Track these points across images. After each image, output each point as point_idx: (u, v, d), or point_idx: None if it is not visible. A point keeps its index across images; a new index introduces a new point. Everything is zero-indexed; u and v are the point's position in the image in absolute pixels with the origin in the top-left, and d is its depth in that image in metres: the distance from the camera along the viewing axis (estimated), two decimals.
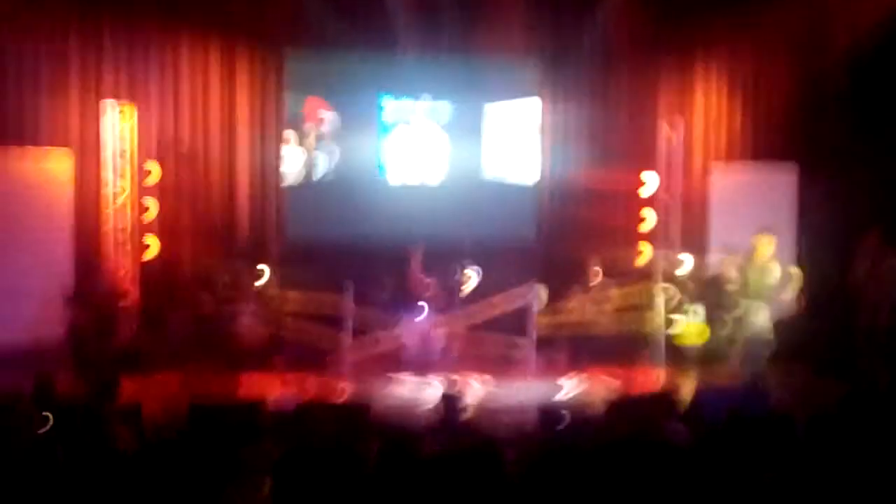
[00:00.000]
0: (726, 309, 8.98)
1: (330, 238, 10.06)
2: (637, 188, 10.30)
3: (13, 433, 4.91)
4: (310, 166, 10.33)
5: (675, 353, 9.19)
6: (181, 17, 9.98)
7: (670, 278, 9.78)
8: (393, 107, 10.27)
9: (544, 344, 9.21)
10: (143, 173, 9.69)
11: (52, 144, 9.55)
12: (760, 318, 8.36)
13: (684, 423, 6.00)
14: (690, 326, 9.36)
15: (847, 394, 5.71)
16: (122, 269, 9.53)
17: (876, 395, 5.95)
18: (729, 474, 4.35)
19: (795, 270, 8.56)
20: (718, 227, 10.24)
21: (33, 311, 8.89)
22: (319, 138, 10.32)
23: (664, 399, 6.64)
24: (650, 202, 10.20)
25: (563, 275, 9.88)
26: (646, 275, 9.79)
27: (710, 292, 9.34)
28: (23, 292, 8.98)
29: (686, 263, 9.84)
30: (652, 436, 5.05)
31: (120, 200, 9.52)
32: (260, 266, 9.41)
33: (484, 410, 7.13)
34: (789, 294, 8.50)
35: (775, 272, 8.36)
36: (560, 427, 5.07)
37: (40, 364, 7.74)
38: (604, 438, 5.05)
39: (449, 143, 10.52)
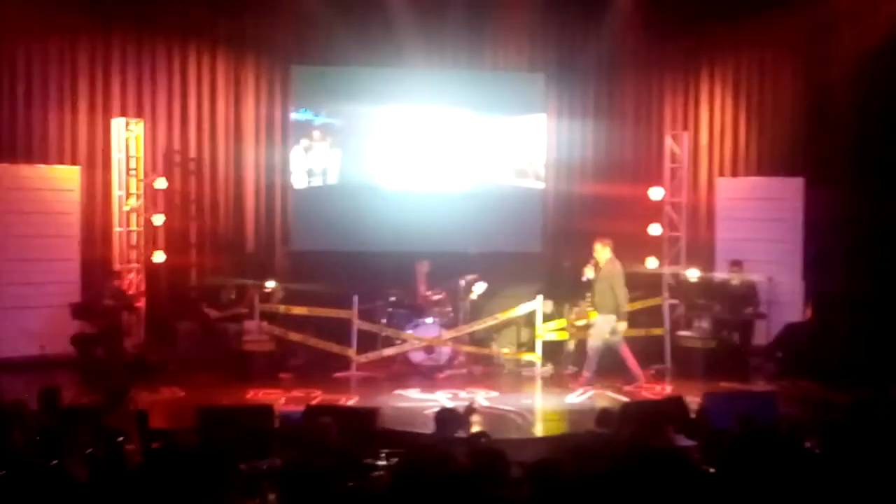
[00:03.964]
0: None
1: (335, 249, 10.08)
2: (643, 201, 10.32)
3: (19, 442, 4.91)
4: (315, 176, 10.36)
5: (683, 361, 9.15)
6: (188, 32, 10.10)
7: (676, 289, 9.77)
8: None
9: (551, 355, 9.20)
10: (151, 187, 9.77)
11: (62, 161, 9.65)
12: (603, 326, 8.28)
13: (691, 430, 5.99)
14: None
15: (856, 403, 5.69)
16: (131, 281, 9.58)
17: (885, 405, 5.92)
18: (738, 482, 4.33)
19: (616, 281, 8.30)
20: (724, 240, 10.26)
21: (45, 323, 8.95)
22: (325, 149, 10.37)
23: (671, 406, 6.62)
24: (656, 214, 10.22)
25: (569, 286, 9.89)
26: (652, 285, 9.79)
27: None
28: (34, 304, 9.05)
29: (692, 275, 9.82)
30: (659, 443, 5.03)
31: (128, 213, 9.60)
32: (266, 277, 9.44)
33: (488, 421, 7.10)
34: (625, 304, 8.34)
35: (615, 279, 8.29)
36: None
37: (50, 374, 7.83)
38: (612, 447, 5.03)
39: (456, 155, 10.57)
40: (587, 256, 10.09)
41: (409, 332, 9.16)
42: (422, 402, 7.87)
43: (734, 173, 10.76)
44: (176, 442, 4.77)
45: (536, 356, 9.03)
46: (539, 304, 9.04)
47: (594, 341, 8.36)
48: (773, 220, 10.13)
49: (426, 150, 10.54)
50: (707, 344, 9.15)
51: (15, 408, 5.33)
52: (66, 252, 9.42)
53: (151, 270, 9.80)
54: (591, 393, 8.18)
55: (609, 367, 8.82)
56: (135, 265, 9.65)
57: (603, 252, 8.40)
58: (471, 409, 5.95)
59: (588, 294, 8.66)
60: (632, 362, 8.40)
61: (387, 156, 10.45)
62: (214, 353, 9.04)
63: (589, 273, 8.42)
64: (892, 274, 9.31)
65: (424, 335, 9.13)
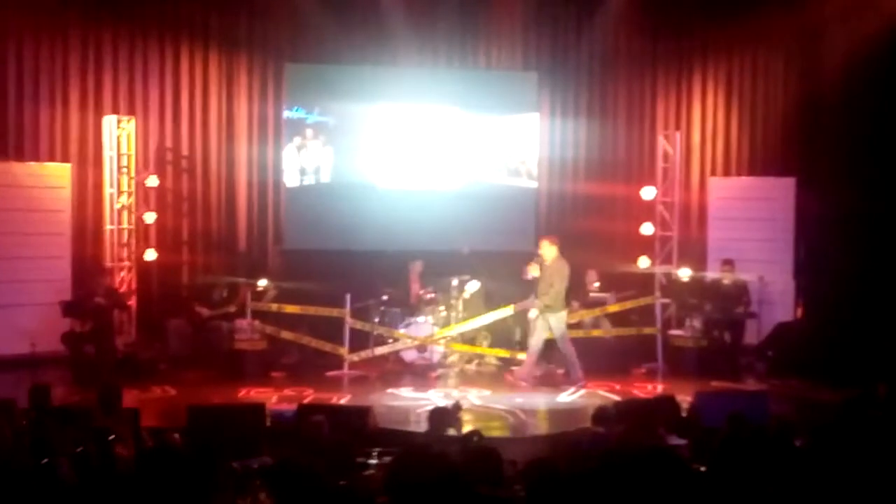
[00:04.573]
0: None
1: (328, 247, 10.07)
2: (635, 200, 10.35)
3: (8, 440, 4.89)
4: (308, 174, 10.35)
5: (674, 360, 9.17)
6: (181, 29, 10.06)
7: (668, 288, 9.80)
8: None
9: (543, 354, 9.20)
10: (142, 185, 9.73)
11: (53, 158, 9.60)
12: (554, 323, 8.28)
13: (682, 429, 6.01)
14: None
15: (846, 401, 5.72)
16: (122, 280, 9.55)
17: (875, 404, 5.95)
18: (729, 480, 4.34)
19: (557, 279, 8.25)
20: (715, 239, 10.29)
21: (35, 321, 8.90)
22: (318, 147, 10.35)
23: (663, 405, 6.64)
24: (648, 214, 10.25)
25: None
26: (643, 284, 9.82)
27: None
28: (24, 302, 9.01)
29: (684, 274, 9.84)
30: (650, 441, 5.04)
31: (119, 210, 9.57)
32: (258, 276, 9.41)
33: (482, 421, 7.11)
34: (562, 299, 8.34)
35: (559, 277, 8.28)
36: None
37: (40, 372, 7.79)
38: (604, 445, 5.05)
39: (449, 154, 10.57)
40: (581, 256, 10.15)
41: (402, 330, 9.15)
42: (414, 400, 7.87)
43: (726, 173, 10.80)
44: (163, 441, 4.76)
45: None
46: (532, 304, 9.03)
47: (562, 342, 8.36)
48: (765, 219, 10.18)
49: (419, 149, 10.53)
50: (698, 343, 9.19)
51: (5, 406, 5.30)
52: (56, 250, 9.38)
53: (143, 268, 9.77)
54: (582, 392, 8.20)
55: (598, 366, 8.85)
56: (126, 263, 9.62)
57: (549, 250, 8.38)
58: (457, 408, 5.94)
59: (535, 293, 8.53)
60: (531, 359, 8.44)
61: (380, 154, 10.43)
62: (206, 352, 9.02)
63: (533, 272, 8.38)
64: (882, 273, 9.37)
65: (417, 334, 9.12)
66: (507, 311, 9.07)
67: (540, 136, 10.72)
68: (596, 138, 10.90)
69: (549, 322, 8.32)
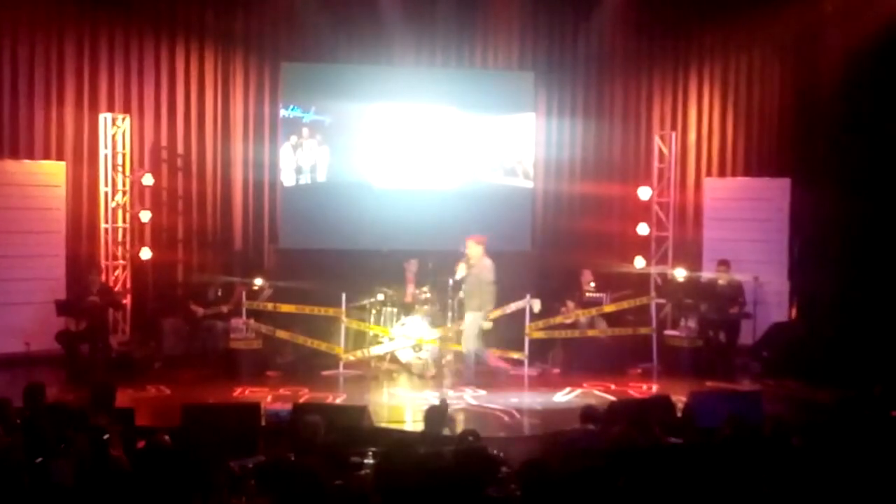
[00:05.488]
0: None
1: (324, 247, 10.06)
2: (631, 200, 10.37)
3: (2, 439, 4.88)
4: (304, 173, 10.34)
5: (670, 360, 9.18)
6: (177, 27, 10.04)
7: (663, 288, 9.82)
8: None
9: (538, 354, 9.22)
10: (138, 183, 9.71)
11: (48, 157, 9.58)
12: (473, 324, 8.29)
13: (677, 428, 6.02)
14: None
15: (841, 401, 5.74)
16: (116, 278, 9.53)
17: (869, 402, 5.97)
18: (725, 479, 4.36)
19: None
20: (711, 239, 10.31)
21: (30, 319, 8.88)
22: (314, 146, 10.34)
23: (658, 405, 6.64)
24: (644, 214, 10.26)
25: (558, 284, 9.93)
26: (639, 284, 9.83)
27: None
28: (19, 301, 8.99)
29: (679, 274, 9.86)
30: (646, 441, 5.05)
31: (114, 209, 9.55)
32: (254, 275, 9.39)
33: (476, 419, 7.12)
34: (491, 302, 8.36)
35: (485, 276, 8.30)
36: None
37: (35, 370, 7.78)
38: (600, 444, 5.06)
39: (445, 153, 10.57)
40: (577, 256, 10.18)
41: (397, 330, 9.15)
42: (410, 400, 7.86)
43: (721, 173, 10.82)
44: (155, 441, 4.75)
45: (523, 355, 9.05)
46: (528, 303, 9.05)
47: (467, 342, 8.36)
48: (760, 220, 10.21)
49: (415, 149, 10.52)
50: (694, 343, 9.21)
51: None
52: (51, 248, 9.36)
53: (138, 267, 9.76)
54: (577, 391, 8.20)
55: (594, 366, 8.86)
56: (121, 262, 9.61)
57: (475, 250, 8.40)
58: (445, 405, 5.94)
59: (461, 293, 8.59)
60: (493, 359, 8.48)
61: (376, 154, 10.43)
62: (201, 351, 9.02)
63: (461, 271, 8.42)
64: (877, 274, 9.40)
65: (412, 333, 9.12)
66: (434, 333, 9.04)
67: (536, 136, 10.72)
68: (592, 138, 10.91)
69: (466, 317, 8.31)
